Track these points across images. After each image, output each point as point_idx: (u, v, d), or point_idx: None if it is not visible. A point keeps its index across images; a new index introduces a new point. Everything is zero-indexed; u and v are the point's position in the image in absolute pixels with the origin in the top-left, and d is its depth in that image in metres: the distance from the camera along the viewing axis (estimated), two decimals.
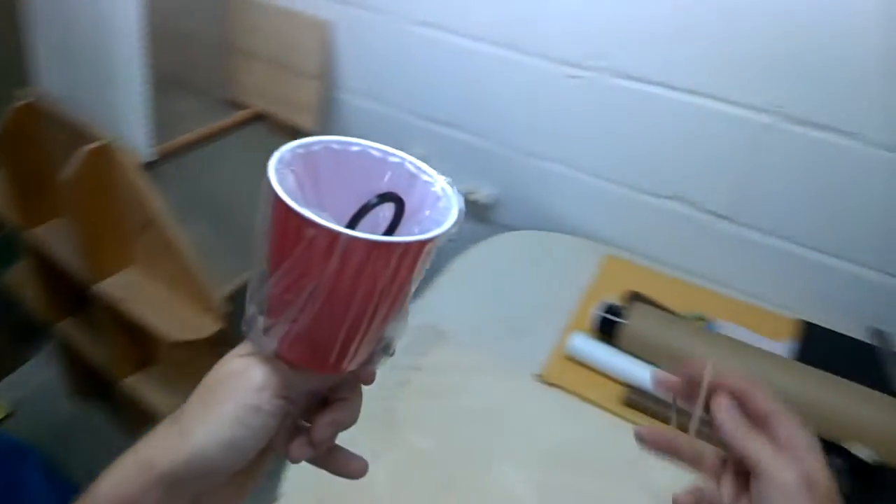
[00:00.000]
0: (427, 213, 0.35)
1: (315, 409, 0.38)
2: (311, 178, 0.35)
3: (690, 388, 0.43)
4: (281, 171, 0.33)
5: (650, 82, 0.91)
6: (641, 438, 0.44)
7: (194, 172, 1.21)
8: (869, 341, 0.91)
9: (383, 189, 0.36)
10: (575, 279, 0.97)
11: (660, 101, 0.91)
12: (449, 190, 0.35)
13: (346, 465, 0.40)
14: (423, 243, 0.32)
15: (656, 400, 0.77)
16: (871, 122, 0.79)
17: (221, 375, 0.36)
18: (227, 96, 1.32)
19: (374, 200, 0.35)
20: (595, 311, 0.85)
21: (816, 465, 0.35)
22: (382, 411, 0.76)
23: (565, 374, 0.81)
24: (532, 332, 0.88)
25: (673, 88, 0.90)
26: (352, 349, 0.34)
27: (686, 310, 0.90)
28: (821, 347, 0.89)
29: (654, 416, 0.76)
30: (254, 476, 0.38)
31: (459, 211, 0.34)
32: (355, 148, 0.36)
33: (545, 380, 0.81)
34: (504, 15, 0.98)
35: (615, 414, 0.77)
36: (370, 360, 0.37)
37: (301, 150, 0.35)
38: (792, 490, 0.34)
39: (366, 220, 0.35)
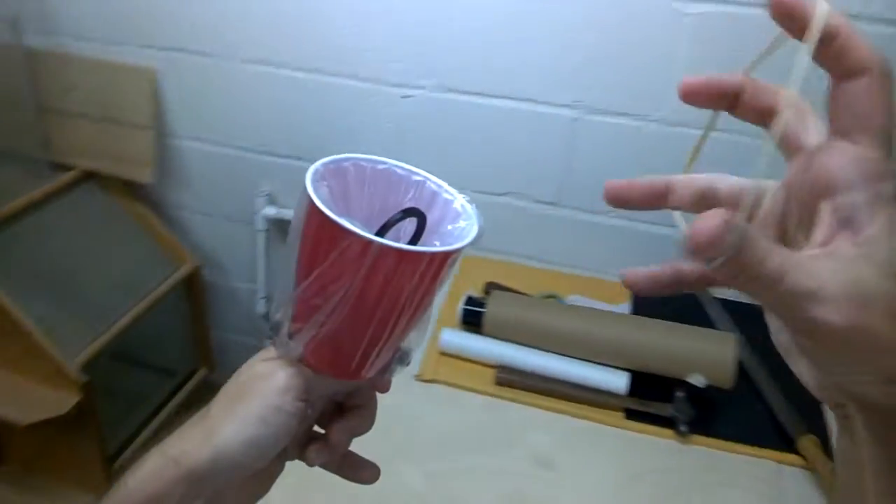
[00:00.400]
0: (448, 227, 0.37)
1: (330, 415, 0.40)
2: (340, 191, 0.37)
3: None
4: (316, 182, 0.34)
5: (472, 93, 1.00)
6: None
7: (26, 243, 1.14)
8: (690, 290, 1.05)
9: (406, 205, 0.37)
10: None
11: (482, 109, 1.01)
12: (469, 207, 0.37)
13: (358, 472, 0.42)
14: (447, 254, 0.33)
15: (522, 373, 0.84)
16: (654, 105, 0.93)
17: (247, 378, 0.37)
18: (51, 159, 1.25)
19: (398, 215, 0.36)
20: (459, 306, 0.91)
21: None
22: None
23: (441, 369, 0.87)
24: None
25: (492, 96, 0.99)
26: (373, 356, 0.36)
27: (538, 291, 1.00)
28: (652, 302, 1.01)
29: (522, 388, 0.83)
30: (270, 477, 0.40)
31: (480, 227, 0.35)
32: (381, 166, 0.38)
33: (423, 378, 0.86)
34: (334, 46, 1.04)
35: (490, 395, 0.83)
36: (387, 369, 0.39)
37: (332, 166, 0.36)
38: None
39: (389, 235, 0.36)
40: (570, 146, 1.00)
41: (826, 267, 0.22)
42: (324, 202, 0.33)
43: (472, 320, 0.89)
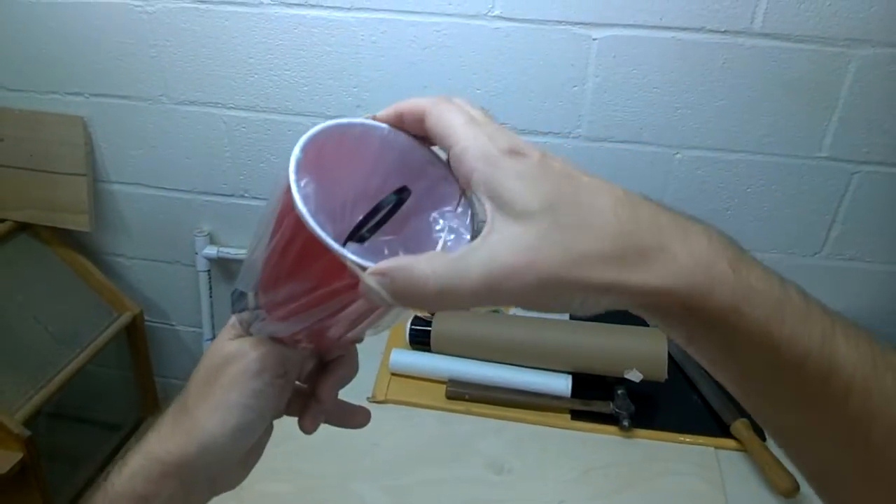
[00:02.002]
0: (441, 222, 0.33)
1: (314, 371, 0.40)
2: (323, 171, 0.33)
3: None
4: (301, 187, 0.30)
5: None
6: None
7: None
8: None
9: (395, 173, 0.34)
10: None
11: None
12: (468, 202, 0.33)
13: (351, 418, 0.42)
14: None
15: (472, 385, 0.87)
16: (574, 122, 0.99)
17: (218, 361, 0.36)
18: None
19: (391, 200, 0.33)
20: (406, 327, 0.94)
21: (519, 141, 0.29)
22: None
23: (393, 389, 0.89)
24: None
25: None
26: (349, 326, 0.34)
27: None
28: None
29: (472, 399, 0.86)
30: (260, 445, 0.40)
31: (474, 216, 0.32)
32: (357, 130, 0.34)
33: (375, 399, 0.87)
34: (266, 83, 1.06)
35: (441, 409, 0.86)
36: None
37: (311, 146, 0.33)
38: (496, 156, 0.27)
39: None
40: None
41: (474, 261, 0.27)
42: (309, 210, 0.29)
43: (420, 339, 0.92)
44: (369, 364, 0.93)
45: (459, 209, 0.33)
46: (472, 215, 0.32)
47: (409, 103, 0.32)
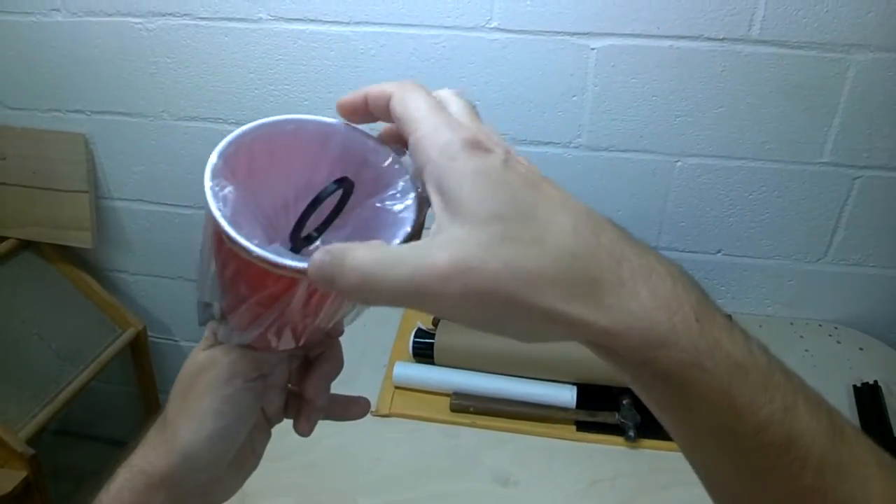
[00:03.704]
0: (387, 204, 0.31)
1: (299, 371, 0.39)
2: (245, 173, 0.32)
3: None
4: (217, 192, 0.29)
5: None
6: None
7: None
8: None
9: (337, 164, 0.33)
10: (388, 319, 1.05)
11: None
12: (405, 169, 0.31)
13: (348, 410, 0.41)
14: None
15: (476, 398, 0.87)
16: (574, 132, 0.99)
17: (192, 371, 0.36)
18: None
19: (330, 189, 0.31)
20: (410, 339, 0.93)
21: (487, 136, 0.27)
22: None
23: (397, 403, 0.88)
24: (360, 375, 0.94)
25: None
26: (318, 324, 0.34)
27: None
28: None
29: (477, 412, 0.86)
30: (254, 453, 0.39)
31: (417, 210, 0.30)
32: (290, 126, 0.33)
33: (379, 413, 0.87)
34: (266, 97, 1.07)
35: (446, 422, 0.86)
36: (340, 320, 0.36)
37: (232, 150, 0.32)
38: (454, 149, 0.25)
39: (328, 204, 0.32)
40: None
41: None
42: (230, 218, 0.28)
43: (424, 352, 0.92)
44: (373, 378, 0.92)
45: (409, 201, 0.30)
46: (419, 206, 0.30)
47: (376, 87, 0.30)
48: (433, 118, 0.27)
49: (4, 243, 1.20)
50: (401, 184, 0.31)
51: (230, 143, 0.32)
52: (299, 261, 0.27)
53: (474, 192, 0.24)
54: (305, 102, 1.06)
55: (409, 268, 0.24)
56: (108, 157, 1.18)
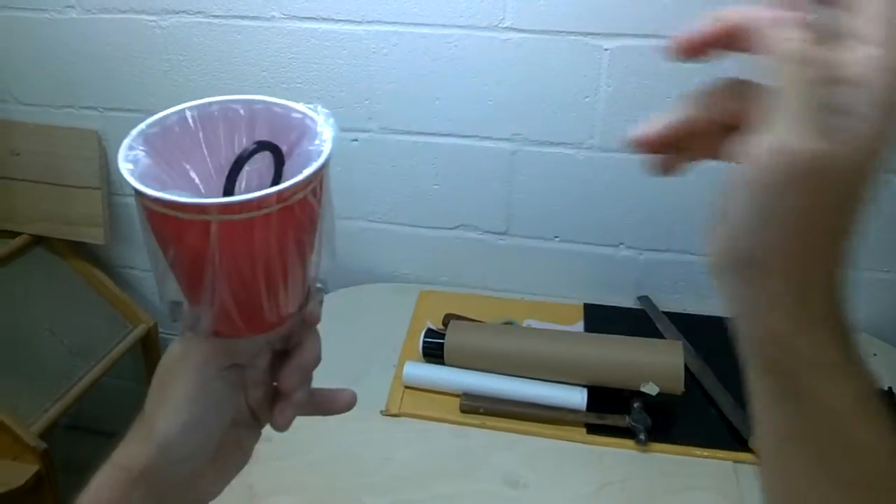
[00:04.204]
0: (309, 148, 0.33)
1: (275, 362, 0.38)
2: (166, 151, 0.33)
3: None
4: (130, 157, 0.31)
5: (415, 133, 1.04)
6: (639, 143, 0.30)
7: None
8: (639, 307, 1.10)
9: (256, 138, 0.35)
10: (398, 318, 1.05)
11: (427, 147, 1.05)
12: (321, 117, 0.34)
13: (333, 403, 0.40)
14: (298, 187, 0.30)
15: (486, 399, 0.86)
16: (586, 133, 0.99)
17: (168, 363, 0.36)
18: None
19: (251, 148, 0.33)
20: (419, 339, 0.93)
21: None
22: (240, 488, 0.77)
23: (406, 403, 0.88)
24: (369, 375, 0.94)
25: (435, 134, 1.04)
26: (281, 303, 0.33)
27: (495, 318, 1.03)
28: (604, 320, 1.06)
29: (487, 413, 0.86)
30: (242, 449, 0.39)
31: (334, 137, 0.33)
32: (214, 107, 0.34)
33: (389, 413, 0.87)
34: (278, 95, 1.06)
35: (456, 423, 0.85)
36: (307, 302, 0.36)
37: (154, 129, 0.33)
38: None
39: (248, 174, 0.33)
40: (512, 176, 1.04)
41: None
42: (142, 176, 0.30)
43: (433, 352, 0.92)
44: (382, 377, 0.92)
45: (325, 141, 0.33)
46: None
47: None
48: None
49: (17, 239, 1.21)
50: (320, 132, 0.34)
51: (151, 124, 0.34)
52: (203, 198, 0.29)
53: None
54: (317, 101, 1.05)
55: None
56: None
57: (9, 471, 1.00)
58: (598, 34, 0.92)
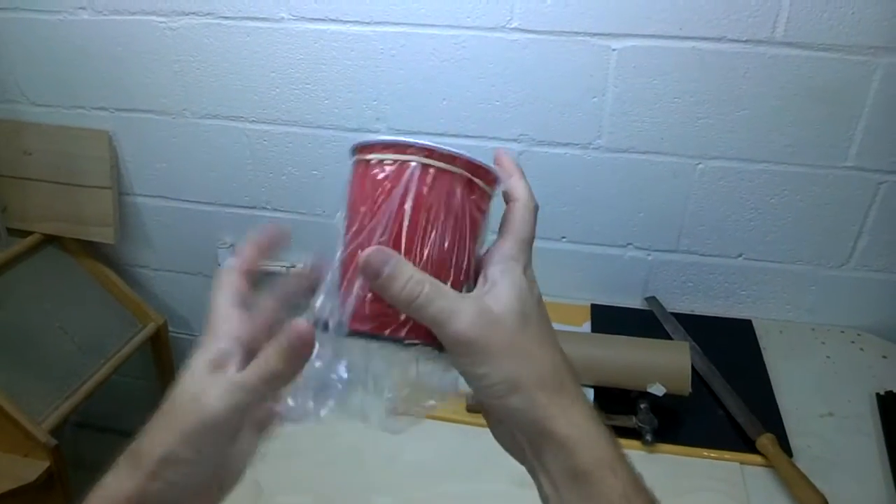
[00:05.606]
0: None
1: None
2: None
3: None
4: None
5: (423, 133, 1.05)
6: None
7: None
8: (646, 307, 1.10)
9: None
10: None
11: None
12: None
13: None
14: (489, 175, 0.38)
15: None
16: (594, 133, 0.99)
17: (192, 400, 0.34)
18: (9, 225, 1.24)
19: None
20: None
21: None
22: (248, 486, 0.77)
23: None
24: None
25: (443, 135, 1.04)
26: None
27: None
28: (611, 321, 1.06)
29: None
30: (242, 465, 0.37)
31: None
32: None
33: (397, 412, 0.87)
34: (288, 96, 1.07)
35: (463, 422, 0.86)
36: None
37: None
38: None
39: None
40: None
41: (467, 301, 0.34)
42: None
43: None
44: None
45: None
46: None
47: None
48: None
49: (29, 238, 1.22)
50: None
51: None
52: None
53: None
54: (325, 101, 1.06)
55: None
56: (131, 154, 1.20)
57: (20, 467, 1.01)
58: (606, 35, 0.92)
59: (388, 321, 0.34)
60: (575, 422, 0.34)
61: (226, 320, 0.37)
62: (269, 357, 0.34)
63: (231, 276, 0.39)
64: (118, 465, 0.35)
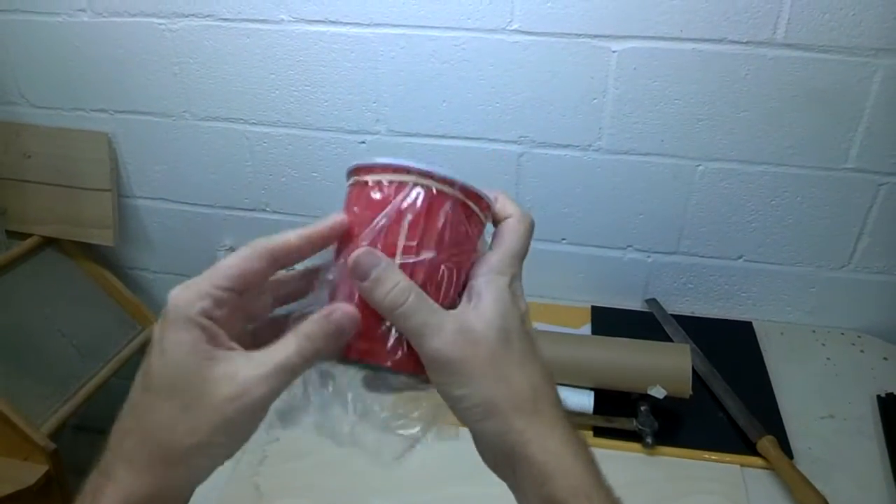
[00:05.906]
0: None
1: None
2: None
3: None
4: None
5: (423, 135, 1.05)
6: None
7: None
8: (646, 309, 1.10)
9: None
10: None
11: (436, 150, 1.05)
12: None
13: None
14: (482, 201, 0.37)
15: None
16: (594, 135, 0.99)
17: (219, 395, 0.33)
18: (8, 227, 1.24)
19: None
20: None
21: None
22: (249, 490, 0.77)
23: None
24: None
25: (443, 137, 1.04)
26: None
27: None
28: (611, 323, 1.06)
29: None
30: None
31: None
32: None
33: None
34: (287, 98, 1.07)
35: (463, 424, 0.85)
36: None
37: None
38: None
39: None
40: (520, 178, 1.04)
41: (449, 317, 0.34)
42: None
43: None
44: None
45: None
46: None
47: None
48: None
49: (28, 240, 1.22)
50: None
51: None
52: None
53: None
54: (325, 103, 1.06)
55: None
56: (130, 156, 1.20)
57: (18, 470, 1.01)
58: (607, 36, 0.92)
59: (376, 349, 0.34)
60: (551, 449, 0.34)
61: (234, 266, 0.36)
62: (313, 336, 0.33)
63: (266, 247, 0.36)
64: (127, 461, 0.33)
